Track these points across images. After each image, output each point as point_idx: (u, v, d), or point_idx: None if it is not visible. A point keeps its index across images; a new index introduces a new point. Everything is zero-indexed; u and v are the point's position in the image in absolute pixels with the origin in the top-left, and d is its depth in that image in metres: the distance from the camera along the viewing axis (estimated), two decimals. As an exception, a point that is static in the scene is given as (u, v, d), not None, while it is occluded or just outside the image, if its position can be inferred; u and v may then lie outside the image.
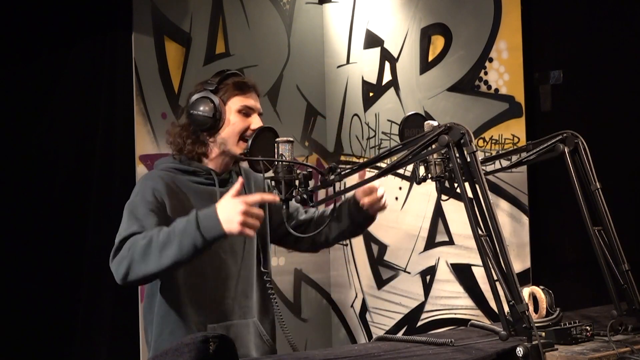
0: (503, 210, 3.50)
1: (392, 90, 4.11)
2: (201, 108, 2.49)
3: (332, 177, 2.21)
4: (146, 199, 2.41)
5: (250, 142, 2.40)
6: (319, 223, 2.68)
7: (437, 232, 3.87)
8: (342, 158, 4.40)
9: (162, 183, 2.46)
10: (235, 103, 2.53)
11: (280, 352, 2.68)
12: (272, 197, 2.29)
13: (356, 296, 4.32)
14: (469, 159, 2.02)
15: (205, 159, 2.55)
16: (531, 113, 3.48)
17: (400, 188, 4.05)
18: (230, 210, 2.19)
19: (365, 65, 4.27)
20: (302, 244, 2.78)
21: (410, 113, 2.57)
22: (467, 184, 2.02)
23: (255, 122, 2.54)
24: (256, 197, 2.26)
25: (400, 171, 3.97)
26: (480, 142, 3.62)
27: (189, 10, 3.91)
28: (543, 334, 2.08)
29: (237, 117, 2.53)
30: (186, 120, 2.56)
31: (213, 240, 2.23)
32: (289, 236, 2.61)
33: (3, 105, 3.43)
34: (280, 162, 2.21)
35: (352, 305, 4.35)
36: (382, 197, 2.62)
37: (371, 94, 4.24)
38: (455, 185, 2.04)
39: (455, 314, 3.79)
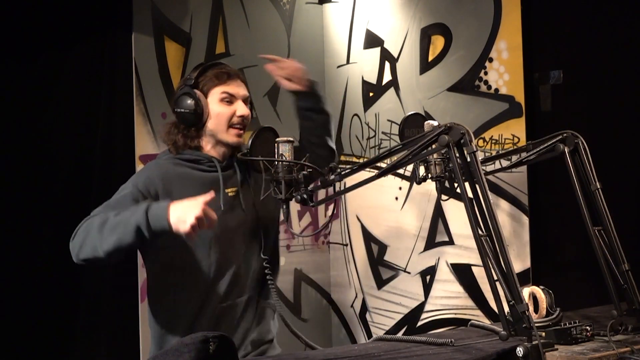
0: (503, 210, 3.50)
1: (392, 90, 4.11)
2: (183, 105, 2.51)
3: (332, 177, 2.21)
4: (137, 187, 2.45)
5: (250, 142, 2.40)
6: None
7: (437, 232, 3.87)
8: (342, 158, 4.40)
9: (159, 174, 2.50)
10: (216, 93, 2.55)
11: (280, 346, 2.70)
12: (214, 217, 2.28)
13: (356, 296, 4.32)
14: (469, 159, 2.02)
15: (201, 150, 2.57)
16: (531, 113, 3.48)
17: (400, 188, 4.05)
18: (186, 211, 2.21)
19: (365, 65, 4.27)
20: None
21: (410, 113, 2.57)
22: (467, 184, 2.02)
23: (240, 108, 2.56)
24: (208, 196, 2.27)
25: (400, 171, 3.97)
26: (480, 142, 3.62)
27: (189, 10, 3.91)
28: (543, 334, 2.08)
29: (220, 107, 2.54)
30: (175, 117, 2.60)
31: (156, 231, 2.24)
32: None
33: (3, 105, 3.43)
34: (280, 162, 2.21)
35: (352, 305, 4.35)
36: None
37: (371, 94, 4.24)
38: (455, 185, 2.04)
39: (455, 314, 3.78)
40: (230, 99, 2.55)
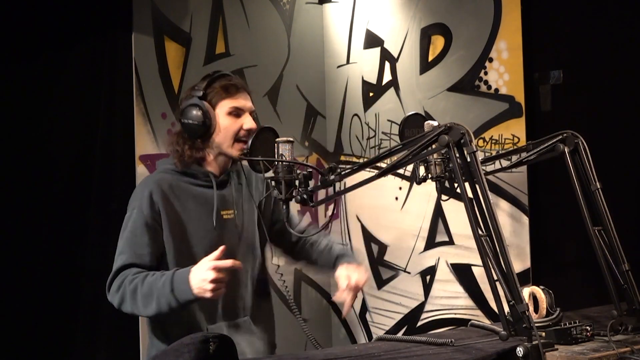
0: (503, 210, 3.50)
1: (392, 90, 4.11)
2: (191, 116, 2.51)
3: (332, 177, 2.21)
4: (142, 212, 2.47)
5: (250, 142, 2.40)
6: (303, 253, 2.77)
7: (437, 232, 3.87)
8: (342, 158, 4.40)
9: (158, 190, 2.50)
10: (224, 106, 2.54)
11: (280, 346, 2.71)
12: (239, 264, 2.36)
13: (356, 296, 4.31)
14: (469, 159, 2.02)
15: (204, 162, 2.57)
16: (531, 113, 3.48)
17: (400, 188, 4.05)
18: (202, 280, 2.28)
19: (365, 65, 4.27)
20: (288, 253, 2.83)
21: (410, 113, 2.57)
22: (467, 184, 2.02)
23: (247, 121, 2.55)
24: (228, 262, 2.32)
25: (400, 171, 3.97)
26: (480, 142, 3.62)
27: (189, 10, 3.91)
28: (543, 334, 2.08)
29: (227, 120, 2.54)
30: (181, 127, 2.58)
31: (186, 303, 2.34)
32: (281, 238, 2.73)
33: (3, 105, 3.43)
34: (280, 162, 2.21)
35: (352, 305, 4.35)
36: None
37: (371, 94, 4.24)
38: (455, 185, 2.04)
39: (455, 314, 3.79)
40: (237, 113, 2.56)
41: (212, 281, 2.26)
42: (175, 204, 2.50)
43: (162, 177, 2.54)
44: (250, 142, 2.40)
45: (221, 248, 2.32)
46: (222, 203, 2.56)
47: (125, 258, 2.44)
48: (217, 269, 2.27)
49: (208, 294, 2.28)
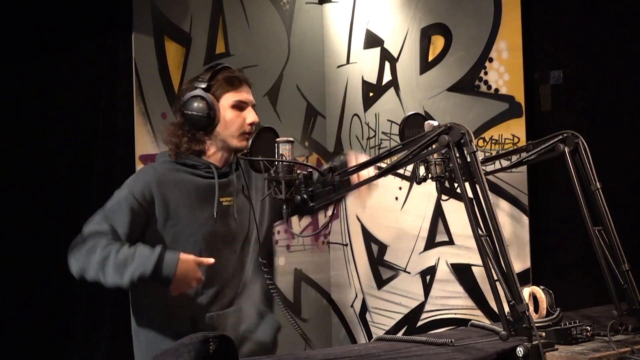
0: (503, 210, 3.50)
1: (392, 90, 4.11)
2: (194, 107, 2.51)
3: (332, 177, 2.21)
4: (133, 194, 2.47)
5: (250, 142, 2.40)
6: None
7: (437, 232, 3.87)
8: (342, 158, 4.40)
9: (155, 179, 2.50)
10: (228, 99, 2.55)
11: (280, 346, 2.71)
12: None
13: (356, 296, 4.32)
14: (469, 159, 2.02)
15: (204, 155, 2.57)
16: (531, 113, 3.48)
17: (400, 188, 4.05)
18: (190, 275, 2.37)
19: (365, 65, 4.27)
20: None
21: (410, 113, 2.57)
22: (467, 184, 2.02)
23: (250, 115, 2.57)
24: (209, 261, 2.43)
25: (400, 171, 3.97)
26: (480, 142, 3.62)
27: (189, 10, 3.91)
28: (543, 334, 2.08)
29: (231, 113, 2.55)
30: (181, 118, 2.57)
31: (162, 279, 2.36)
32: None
33: (3, 105, 3.43)
34: (280, 162, 2.21)
35: (352, 305, 4.35)
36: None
37: (371, 94, 4.24)
38: (455, 185, 2.04)
39: (455, 314, 3.78)
40: (241, 106, 2.56)
41: (198, 280, 2.39)
42: (174, 194, 2.50)
43: (161, 167, 2.55)
44: (250, 142, 2.40)
45: (211, 261, 2.42)
46: (221, 190, 2.56)
47: (99, 227, 2.44)
48: (200, 279, 2.40)
49: (184, 289, 2.38)
